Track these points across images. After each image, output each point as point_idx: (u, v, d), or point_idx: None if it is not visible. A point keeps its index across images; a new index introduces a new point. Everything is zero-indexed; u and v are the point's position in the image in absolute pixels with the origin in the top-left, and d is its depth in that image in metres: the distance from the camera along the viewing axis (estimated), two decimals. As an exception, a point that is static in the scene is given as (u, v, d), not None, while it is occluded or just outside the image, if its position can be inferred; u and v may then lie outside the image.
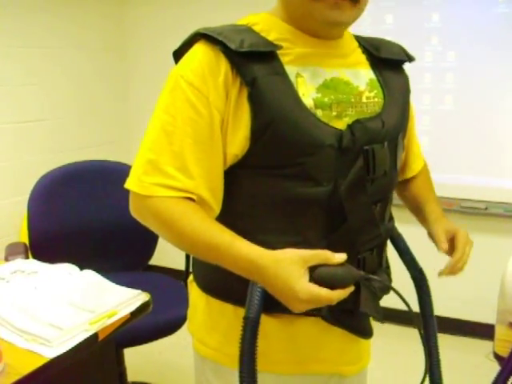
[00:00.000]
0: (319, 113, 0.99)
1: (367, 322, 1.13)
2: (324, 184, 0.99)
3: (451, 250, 1.13)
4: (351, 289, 0.91)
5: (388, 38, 1.23)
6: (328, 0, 0.98)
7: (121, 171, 2.24)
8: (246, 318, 0.95)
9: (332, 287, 0.88)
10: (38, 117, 3.10)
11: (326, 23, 1.01)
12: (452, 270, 1.12)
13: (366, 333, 1.13)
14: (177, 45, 1.06)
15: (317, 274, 0.88)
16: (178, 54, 1.05)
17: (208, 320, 1.13)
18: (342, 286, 0.90)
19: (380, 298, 1.14)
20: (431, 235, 1.18)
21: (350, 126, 1.00)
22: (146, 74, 3.56)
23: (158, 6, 3.47)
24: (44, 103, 3.13)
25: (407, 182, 1.32)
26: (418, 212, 1.26)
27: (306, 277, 0.87)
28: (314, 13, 1.00)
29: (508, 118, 2.74)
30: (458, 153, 2.85)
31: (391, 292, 1.03)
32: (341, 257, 0.90)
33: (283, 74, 0.98)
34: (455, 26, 2.74)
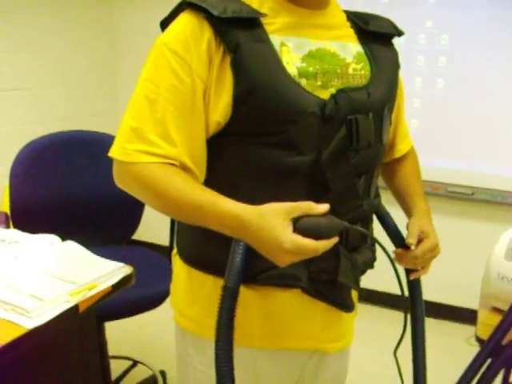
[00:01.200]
0: (303, 82, 1.00)
1: (348, 295, 1.13)
2: (306, 153, 0.99)
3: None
4: (336, 239, 0.92)
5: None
6: None
7: (106, 142, 2.17)
8: (224, 287, 0.95)
9: (316, 238, 0.88)
10: (22, 85, 3.05)
11: None
12: (400, 260, 1.13)
13: (347, 306, 1.13)
14: (165, 14, 1.05)
15: (300, 225, 0.88)
16: (165, 25, 1.05)
17: (189, 292, 1.13)
18: (327, 236, 0.90)
19: (362, 271, 1.15)
20: (407, 227, 1.17)
21: (333, 96, 1.00)
22: (134, 45, 3.51)
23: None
24: (29, 71, 3.08)
25: (394, 166, 1.31)
26: (403, 202, 1.26)
27: (290, 228, 0.88)
28: None
29: (497, 105, 2.74)
30: (446, 137, 2.86)
31: (376, 274, 1.04)
32: (324, 207, 0.91)
33: (267, 42, 0.98)
34: (450, 8, 2.72)
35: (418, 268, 1.15)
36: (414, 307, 1.23)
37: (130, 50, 3.56)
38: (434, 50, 2.79)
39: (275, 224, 0.87)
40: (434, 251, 1.13)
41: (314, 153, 0.99)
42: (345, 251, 1.06)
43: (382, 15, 1.22)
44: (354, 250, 1.10)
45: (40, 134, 2.25)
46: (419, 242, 1.12)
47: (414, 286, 1.23)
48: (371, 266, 1.17)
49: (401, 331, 1.10)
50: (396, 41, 1.21)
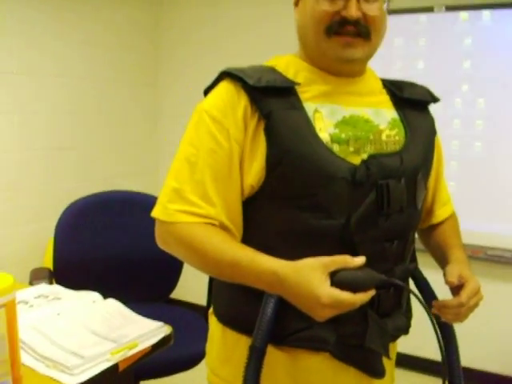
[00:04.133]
0: (336, 147, 1.02)
1: (379, 360, 1.10)
2: (336, 217, 1.00)
3: (456, 294, 1.07)
4: (373, 292, 0.92)
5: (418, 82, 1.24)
6: (340, 40, 1.04)
7: (147, 202, 2.26)
8: (251, 347, 0.97)
9: (353, 291, 0.89)
10: (68, 145, 3.17)
11: (339, 61, 1.07)
12: (443, 311, 1.06)
13: (378, 372, 1.10)
14: (206, 79, 1.13)
15: (338, 278, 0.90)
16: (207, 92, 1.11)
17: (222, 351, 1.14)
18: (364, 289, 0.91)
19: (394, 336, 1.13)
20: (444, 274, 1.11)
21: (364, 161, 1.02)
22: (177, 106, 3.63)
23: (190, 32, 3.54)
24: (75, 131, 3.21)
25: (432, 228, 1.30)
26: (441, 257, 1.21)
27: (328, 282, 0.90)
28: (328, 51, 1.06)
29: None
30: (485, 200, 2.82)
31: (412, 338, 1.01)
32: (360, 260, 0.92)
33: (300, 109, 1.03)
34: (486, 73, 2.75)
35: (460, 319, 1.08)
36: (452, 373, 1.17)
37: (171, 114, 3.68)
38: (471, 113, 2.81)
39: (312, 279, 0.89)
40: (477, 296, 1.07)
41: (343, 217, 1.00)
42: (374, 315, 1.05)
43: (418, 80, 1.24)
44: (386, 315, 1.09)
45: (85, 193, 2.32)
46: (460, 287, 1.06)
47: (452, 351, 1.17)
48: (405, 332, 1.15)
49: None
50: (433, 105, 1.23)
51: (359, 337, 1.03)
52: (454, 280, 1.06)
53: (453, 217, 1.33)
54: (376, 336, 1.05)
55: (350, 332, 1.04)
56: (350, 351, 1.06)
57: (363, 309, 0.99)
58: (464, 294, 1.04)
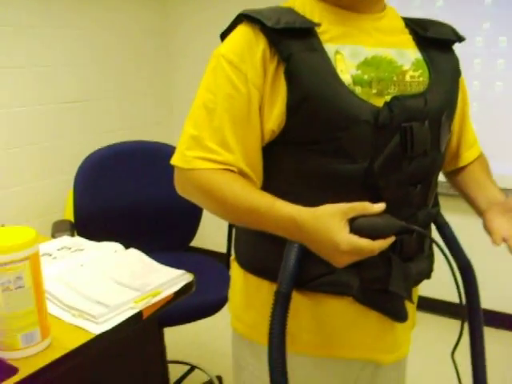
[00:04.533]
0: (358, 89, 1.00)
1: (402, 305, 1.10)
2: (359, 161, 0.99)
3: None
4: (392, 239, 0.92)
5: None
6: None
7: (165, 152, 2.27)
8: (277, 292, 0.98)
9: (373, 237, 0.89)
10: (86, 97, 3.16)
11: None
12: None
13: (401, 316, 1.11)
14: (220, 29, 1.09)
15: (356, 225, 0.89)
16: (224, 36, 1.08)
17: (245, 297, 1.15)
18: (383, 235, 0.90)
19: (417, 281, 1.13)
20: (486, 227, 1.08)
21: (387, 103, 0.99)
22: (190, 56, 3.58)
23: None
24: (89, 84, 3.18)
25: (461, 169, 1.27)
26: (475, 196, 1.18)
27: (347, 228, 0.89)
28: None
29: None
30: (507, 141, 2.77)
31: (435, 282, 1.00)
32: (379, 206, 0.91)
33: (321, 51, 0.99)
34: (508, 10, 2.65)
35: None
36: (473, 316, 1.20)
37: (185, 61, 3.63)
38: (492, 52, 2.73)
39: (331, 225, 0.89)
40: None
41: (367, 161, 0.99)
42: (398, 260, 1.05)
43: (438, 18, 1.20)
44: (409, 260, 1.08)
45: (101, 145, 2.33)
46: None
47: (472, 294, 1.19)
48: (427, 277, 1.15)
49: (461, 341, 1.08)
50: (455, 44, 1.19)
51: (383, 281, 1.03)
52: (499, 242, 1.01)
53: (481, 157, 1.29)
54: (399, 280, 1.05)
55: (373, 276, 1.04)
56: (374, 295, 1.06)
57: (386, 253, 0.99)
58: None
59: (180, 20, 3.62)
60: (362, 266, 1.01)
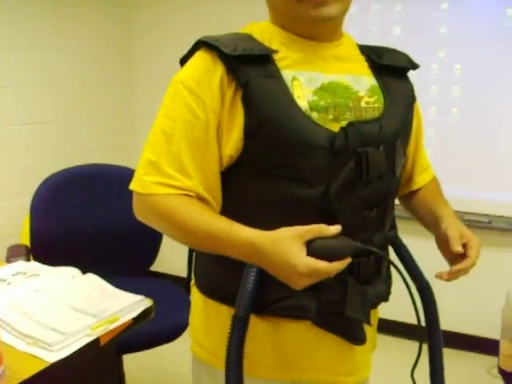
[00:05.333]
0: (314, 115, 1.01)
1: (359, 327, 1.11)
2: (316, 185, 1.00)
3: (455, 255, 1.08)
4: (349, 260, 0.93)
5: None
6: (310, 1, 1.01)
7: (125, 175, 2.22)
8: (234, 317, 0.98)
9: (330, 259, 0.90)
10: (44, 119, 3.11)
11: (314, 22, 1.04)
12: (453, 277, 1.06)
13: (358, 338, 1.11)
14: (182, 52, 1.10)
15: (313, 247, 0.91)
16: (183, 62, 1.09)
17: (205, 322, 1.15)
18: (340, 257, 0.91)
19: (374, 303, 1.14)
20: (443, 236, 1.11)
21: (343, 129, 1.01)
22: (152, 79, 3.57)
23: (165, 11, 3.49)
24: (50, 106, 3.14)
25: (413, 193, 1.30)
26: (428, 216, 1.21)
27: (304, 251, 0.90)
28: (300, 14, 1.03)
29: (513, 133, 2.73)
30: (461, 166, 2.85)
31: (394, 304, 1.02)
32: (336, 228, 0.93)
33: (278, 77, 1.01)
34: (463, 39, 2.74)
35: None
36: (432, 336, 1.21)
37: (147, 85, 3.62)
38: (447, 79, 2.81)
39: (288, 248, 0.90)
40: (479, 252, 1.09)
41: (323, 185, 1.00)
42: (354, 283, 1.05)
43: (395, 47, 1.23)
44: (366, 283, 1.09)
45: (60, 168, 2.28)
46: (465, 247, 1.07)
47: (431, 314, 1.20)
48: (385, 299, 1.16)
49: (420, 361, 1.09)
50: (409, 72, 1.21)
51: (339, 304, 1.04)
52: (460, 249, 1.06)
53: (434, 180, 1.32)
54: (356, 303, 1.05)
55: (330, 299, 1.04)
56: (331, 319, 1.06)
57: (343, 276, 1.00)
58: (473, 254, 1.06)
59: (142, 43, 3.62)
60: (320, 289, 1.02)
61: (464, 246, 1.08)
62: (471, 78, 2.76)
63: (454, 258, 1.09)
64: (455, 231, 1.09)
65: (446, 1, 2.74)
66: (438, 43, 2.80)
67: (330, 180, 1.00)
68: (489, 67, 2.71)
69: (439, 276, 1.07)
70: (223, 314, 1.08)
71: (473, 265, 1.06)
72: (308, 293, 1.01)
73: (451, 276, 1.06)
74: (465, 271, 1.07)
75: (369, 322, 1.10)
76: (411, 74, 1.22)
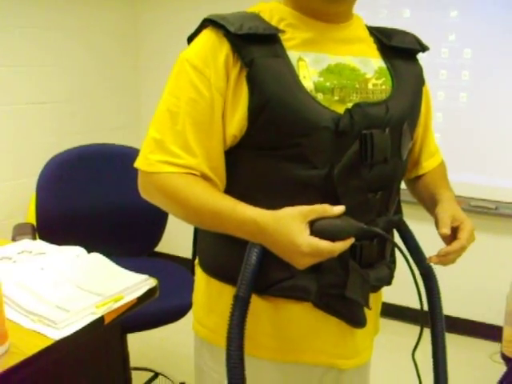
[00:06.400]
0: (320, 96, 1.01)
1: (359, 310, 1.10)
2: (320, 167, 0.99)
3: (451, 238, 1.06)
4: (352, 240, 0.94)
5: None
6: None
7: (128, 155, 2.23)
8: (235, 296, 0.98)
9: (333, 239, 0.90)
10: (48, 99, 3.10)
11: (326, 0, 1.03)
12: (444, 260, 1.04)
13: (359, 322, 1.11)
14: (187, 34, 1.09)
15: (316, 227, 0.91)
16: (190, 40, 1.09)
17: (207, 301, 1.15)
18: (343, 237, 0.92)
19: (376, 287, 1.14)
20: (436, 218, 1.10)
21: (348, 110, 1.00)
22: (158, 59, 3.56)
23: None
24: (55, 85, 3.13)
25: (420, 177, 1.29)
26: (429, 200, 1.19)
27: (307, 230, 0.91)
28: None
29: (522, 118, 2.71)
30: (469, 151, 2.83)
31: (398, 288, 1.01)
32: (339, 208, 0.94)
33: (283, 57, 1.00)
34: (473, 23, 2.71)
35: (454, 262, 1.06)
36: (434, 321, 1.19)
37: (153, 64, 3.60)
38: (457, 63, 2.78)
39: (292, 227, 0.90)
40: (472, 236, 1.06)
41: (327, 167, 1.00)
42: (356, 266, 1.05)
43: (404, 29, 1.21)
44: (369, 266, 1.09)
45: (65, 147, 2.28)
46: (457, 229, 1.05)
47: (434, 299, 1.19)
48: (387, 283, 1.16)
49: (423, 346, 1.09)
50: (418, 55, 1.20)
51: (340, 286, 1.04)
52: (447, 231, 1.04)
53: (441, 165, 1.31)
54: (357, 286, 1.05)
55: (330, 282, 1.04)
56: (331, 301, 1.06)
57: (345, 259, 1.01)
58: (463, 237, 1.04)
59: (149, 24, 3.59)
60: (321, 271, 1.02)
61: (456, 229, 1.06)
62: (481, 63, 2.72)
63: (449, 242, 1.06)
64: (446, 214, 1.07)
65: (457, -16, 2.70)
66: (448, 26, 2.76)
67: (333, 162, 0.99)
68: (499, 53, 2.68)
69: (429, 259, 1.06)
70: (225, 293, 1.08)
71: (462, 248, 1.03)
72: (309, 275, 1.02)
73: (441, 259, 1.04)
74: (456, 254, 1.04)
75: (368, 305, 1.10)
76: (421, 57, 1.21)
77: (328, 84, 1.02)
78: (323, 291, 1.05)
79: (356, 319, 1.10)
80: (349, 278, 1.04)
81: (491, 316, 2.87)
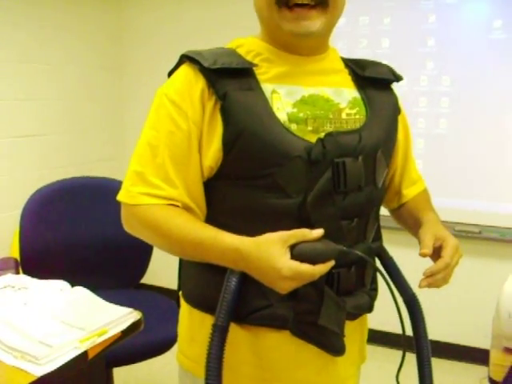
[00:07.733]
0: (293, 127, 1.02)
1: (336, 337, 1.09)
2: (294, 196, 1.01)
3: (436, 257, 1.05)
4: (332, 263, 0.95)
5: (384, 61, 1.23)
6: (290, 13, 1.02)
7: (113, 187, 2.21)
8: (214, 325, 0.99)
9: (313, 262, 0.92)
10: (33, 132, 3.10)
11: (294, 35, 1.05)
12: (432, 281, 1.02)
13: (335, 349, 1.10)
14: (170, 66, 1.12)
15: (296, 251, 0.93)
16: (170, 75, 1.12)
17: (190, 331, 1.15)
18: (323, 260, 0.93)
19: (353, 315, 1.12)
20: (418, 240, 1.10)
21: (320, 139, 1.02)
22: (142, 92, 3.58)
23: (155, 24, 3.51)
24: (40, 118, 3.14)
25: (403, 205, 1.29)
26: (415, 225, 1.19)
27: (287, 255, 0.92)
28: (282, 25, 1.04)
29: (501, 144, 2.75)
30: (452, 176, 2.86)
31: (381, 314, 1.01)
32: (318, 232, 0.95)
33: (257, 90, 1.03)
34: (451, 50, 2.77)
35: (446, 281, 1.04)
36: (420, 347, 1.19)
37: (136, 98, 3.63)
38: (436, 90, 2.83)
39: (272, 252, 0.91)
40: (458, 253, 1.05)
41: (301, 196, 1.01)
42: (331, 293, 1.05)
43: (384, 59, 1.24)
44: (348, 294, 1.09)
45: (49, 181, 2.28)
46: (439, 248, 1.04)
47: (419, 326, 1.18)
48: (368, 311, 1.16)
49: (409, 372, 1.08)
50: (398, 83, 1.21)
51: (314, 314, 1.04)
52: (427, 251, 1.03)
53: (424, 191, 1.31)
54: (331, 314, 1.05)
55: (305, 309, 1.04)
56: (307, 328, 1.06)
57: (320, 286, 1.01)
58: (446, 254, 1.03)
59: (132, 55, 3.63)
60: (297, 298, 1.02)
61: (440, 247, 1.05)
62: (460, 90, 2.78)
63: (434, 259, 1.06)
64: (428, 235, 1.07)
65: (434, 13, 2.77)
66: (426, 55, 2.82)
67: (307, 190, 1.01)
68: (477, 79, 2.73)
69: (419, 284, 1.04)
70: (207, 323, 1.06)
71: (447, 265, 1.02)
72: (285, 303, 1.02)
73: (429, 280, 1.02)
74: (443, 272, 1.02)
75: (342, 333, 1.09)
76: (400, 86, 1.23)
77: (301, 115, 1.04)
78: (299, 319, 1.05)
79: (333, 347, 1.09)
80: (323, 306, 1.04)
81: (479, 340, 2.87)
